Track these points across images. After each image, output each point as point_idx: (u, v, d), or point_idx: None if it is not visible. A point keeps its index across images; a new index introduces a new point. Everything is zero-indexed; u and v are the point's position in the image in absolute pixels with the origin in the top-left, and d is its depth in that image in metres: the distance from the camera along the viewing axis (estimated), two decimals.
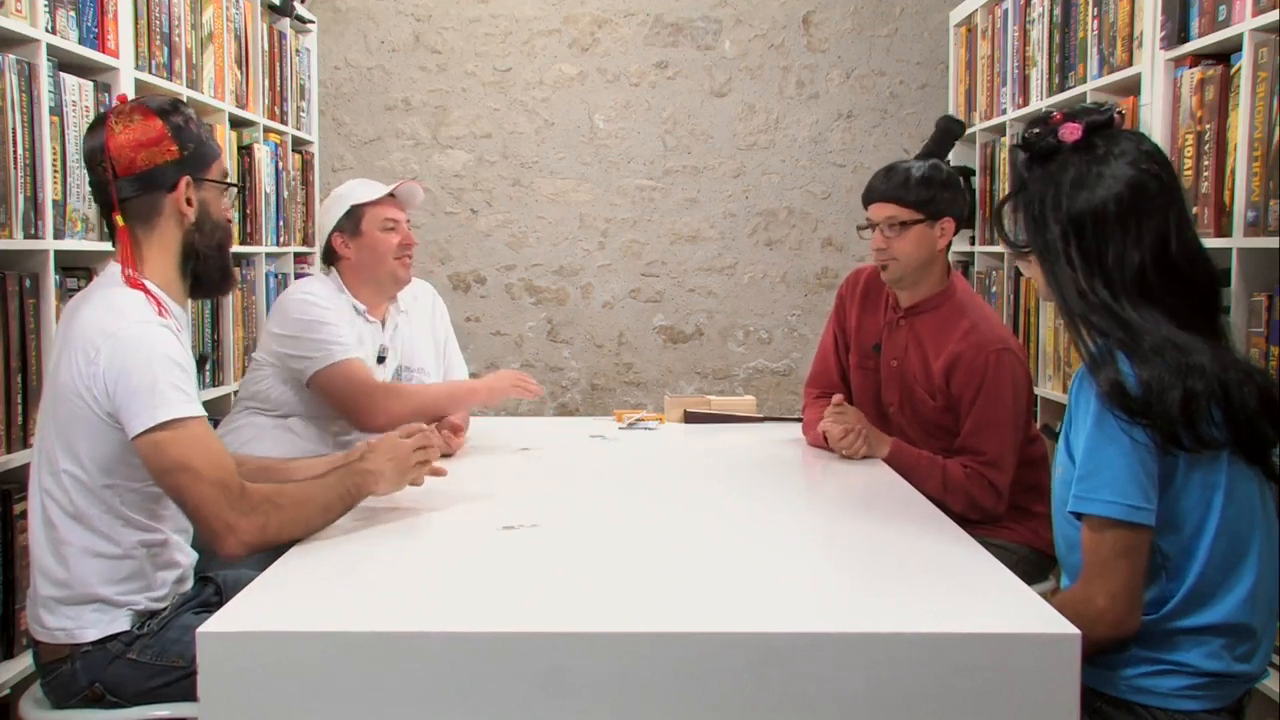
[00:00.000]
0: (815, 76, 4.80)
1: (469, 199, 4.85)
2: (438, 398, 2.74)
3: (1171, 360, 1.62)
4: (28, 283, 2.45)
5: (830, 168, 4.82)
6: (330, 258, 2.86)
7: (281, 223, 4.01)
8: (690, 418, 3.23)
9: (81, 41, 2.65)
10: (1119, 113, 1.79)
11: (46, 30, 2.49)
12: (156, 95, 2.06)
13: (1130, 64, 2.89)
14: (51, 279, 2.51)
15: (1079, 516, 1.68)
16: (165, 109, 1.97)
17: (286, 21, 4.16)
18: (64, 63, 2.59)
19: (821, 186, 4.83)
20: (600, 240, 4.86)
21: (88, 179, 2.00)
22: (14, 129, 2.36)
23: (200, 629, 1.49)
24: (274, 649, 1.49)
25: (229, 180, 2.09)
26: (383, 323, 2.88)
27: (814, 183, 4.83)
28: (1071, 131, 1.74)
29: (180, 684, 1.88)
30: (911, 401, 2.68)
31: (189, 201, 1.97)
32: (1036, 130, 1.79)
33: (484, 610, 1.60)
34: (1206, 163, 2.48)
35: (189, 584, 2.06)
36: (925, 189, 2.62)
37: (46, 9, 2.50)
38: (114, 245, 1.97)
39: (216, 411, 3.21)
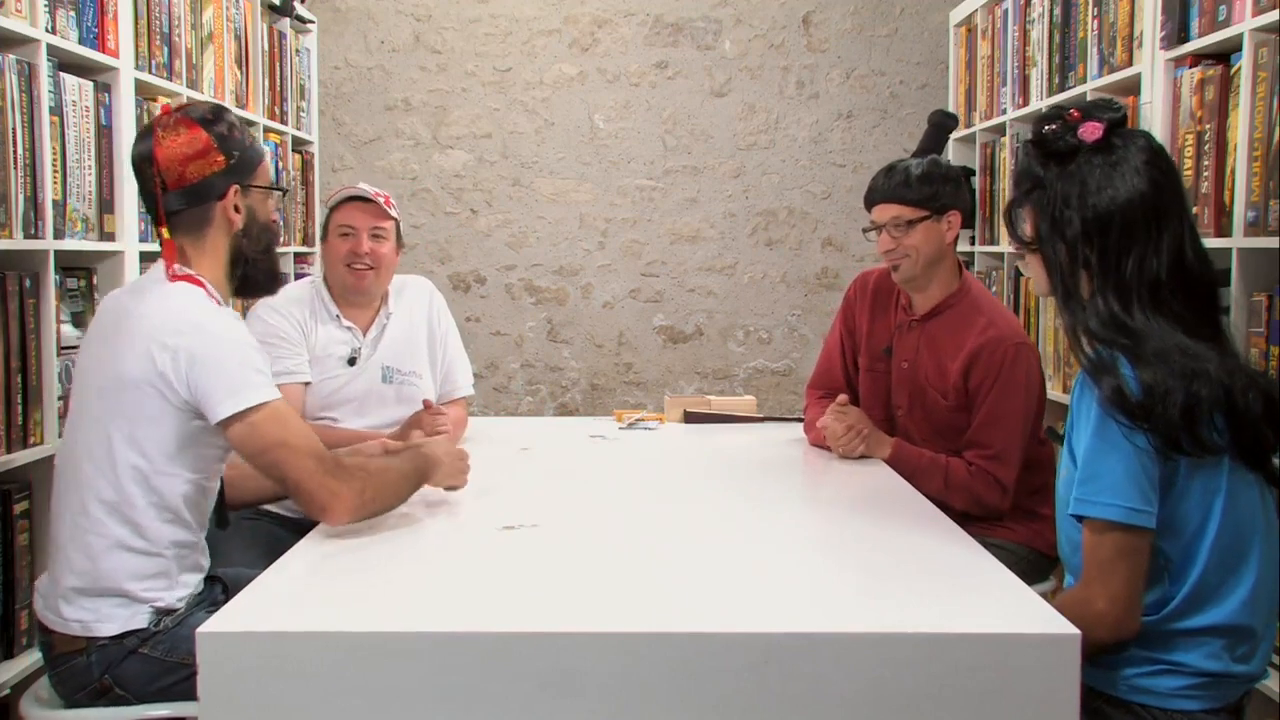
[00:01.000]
0: (815, 76, 4.80)
1: (469, 199, 4.85)
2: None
3: (1175, 365, 1.62)
4: (28, 283, 2.45)
5: (830, 168, 4.82)
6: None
7: (281, 223, 4.01)
8: (690, 418, 3.23)
9: (81, 41, 2.65)
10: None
11: (46, 30, 2.49)
12: (200, 103, 2.10)
13: (1130, 64, 2.90)
14: (51, 279, 2.51)
15: (1081, 520, 1.68)
16: (209, 118, 2.01)
17: (286, 21, 4.16)
18: (64, 63, 2.59)
19: (821, 186, 4.83)
20: (600, 240, 4.86)
21: (137, 187, 2.04)
22: (14, 129, 2.36)
23: (200, 629, 1.49)
24: (274, 649, 1.49)
25: (275, 184, 2.13)
26: (366, 328, 2.85)
27: (814, 183, 4.84)
28: (1093, 131, 1.73)
29: (189, 682, 1.88)
30: (923, 403, 2.67)
31: (237, 209, 2.02)
32: (1053, 127, 1.76)
33: (484, 610, 1.60)
34: (1206, 163, 2.48)
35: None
36: (927, 185, 2.62)
37: (46, 9, 2.50)
38: (161, 248, 2.00)
39: None
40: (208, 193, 1.99)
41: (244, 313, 2.85)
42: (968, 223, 4.10)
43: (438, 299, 3.01)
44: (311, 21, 4.46)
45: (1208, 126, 2.48)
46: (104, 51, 2.75)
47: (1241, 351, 1.79)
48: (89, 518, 1.91)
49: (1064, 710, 1.45)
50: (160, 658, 1.91)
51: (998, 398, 2.53)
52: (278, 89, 4.02)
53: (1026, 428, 2.56)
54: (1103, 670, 1.70)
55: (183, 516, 1.96)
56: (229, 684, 1.48)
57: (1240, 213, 2.34)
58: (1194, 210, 2.52)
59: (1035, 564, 2.62)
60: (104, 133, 2.74)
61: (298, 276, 4.06)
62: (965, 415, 2.59)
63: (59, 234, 2.55)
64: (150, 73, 2.98)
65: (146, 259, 2.97)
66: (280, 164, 3.98)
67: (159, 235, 2.00)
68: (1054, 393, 3.29)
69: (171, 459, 1.92)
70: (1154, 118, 2.72)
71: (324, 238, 2.83)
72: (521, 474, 2.57)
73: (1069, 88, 3.27)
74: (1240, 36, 2.33)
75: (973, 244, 4.14)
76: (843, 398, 2.68)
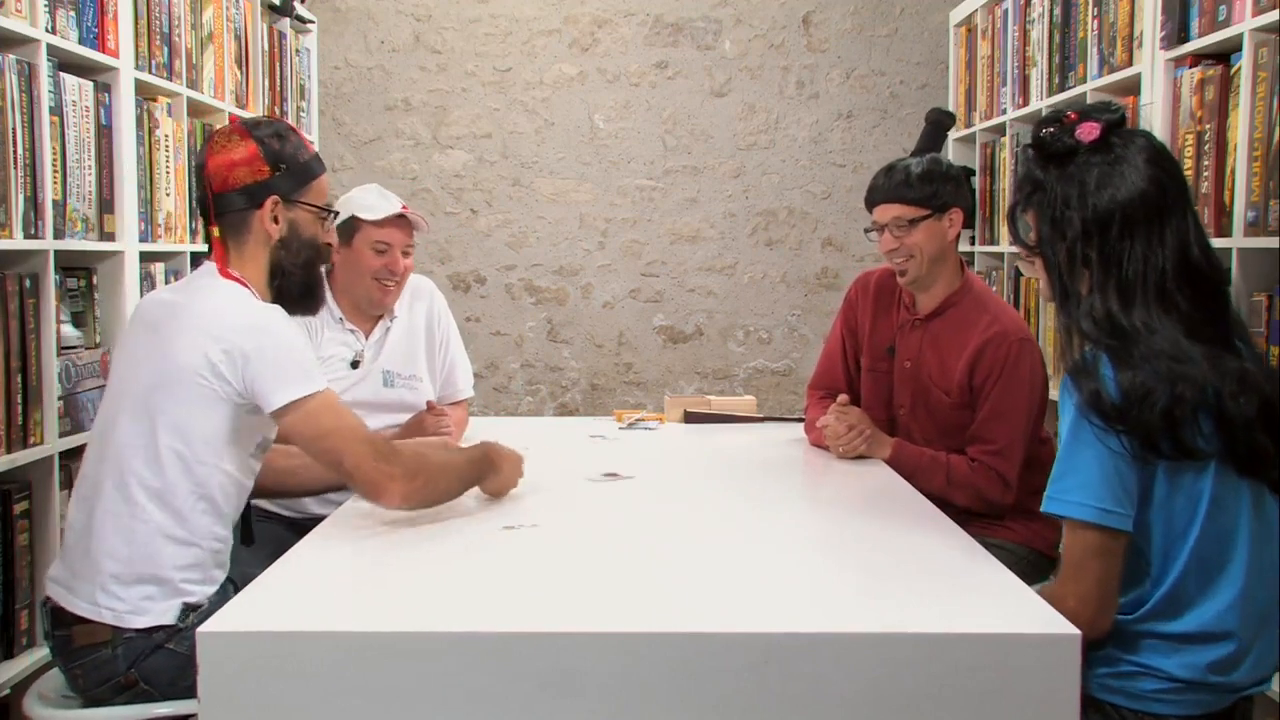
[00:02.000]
0: (815, 76, 4.80)
1: (469, 199, 4.85)
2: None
3: (1160, 368, 1.62)
4: (28, 283, 2.45)
5: (830, 168, 4.82)
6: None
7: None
8: (690, 418, 3.23)
9: (81, 41, 2.65)
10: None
11: (46, 30, 2.49)
12: (264, 118, 2.18)
13: (1130, 64, 2.90)
14: (51, 279, 2.51)
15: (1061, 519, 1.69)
16: (264, 132, 2.08)
17: (286, 21, 4.16)
18: (64, 63, 2.59)
19: (821, 186, 4.83)
20: (600, 240, 4.86)
21: (196, 194, 2.15)
22: (14, 129, 2.36)
23: (200, 629, 1.49)
24: (274, 649, 1.49)
25: (327, 207, 2.16)
26: (369, 332, 2.85)
27: (814, 183, 4.84)
28: (1090, 131, 1.73)
29: None
30: (926, 402, 2.67)
31: (275, 220, 2.07)
32: (1051, 130, 1.76)
33: (484, 610, 1.61)
34: (1206, 163, 2.48)
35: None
36: (928, 184, 2.62)
37: (46, 9, 2.50)
38: (209, 251, 2.09)
39: None
40: (246, 199, 2.05)
41: None
42: (969, 222, 4.12)
43: (439, 300, 3.00)
44: (311, 21, 4.46)
45: (1208, 126, 2.48)
46: (104, 51, 2.75)
47: (1256, 353, 1.73)
48: (133, 504, 1.94)
49: (1064, 710, 1.45)
50: (186, 653, 1.91)
51: (1001, 393, 2.54)
52: (278, 89, 4.02)
53: (1029, 423, 2.56)
54: None
55: (219, 509, 2.01)
56: (229, 684, 1.48)
57: (1240, 213, 2.34)
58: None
59: (1035, 564, 2.62)
60: (104, 133, 2.75)
61: None
62: (969, 413, 2.59)
63: (59, 234, 2.55)
64: (150, 73, 2.98)
65: (146, 259, 2.97)
66: None
67: (208, 234, 2.09)
68: (1055, 393, 3.28)
69: (213, 449, 1.97)
70: (1154, 118, 2.72)
71: (345, 244, 2.75)
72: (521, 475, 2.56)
73: (1069, 88, 3.27)
74: (1240, 36, 2.33)
75: (973, 244, 4.14)
76: (843, 398, 2.68)
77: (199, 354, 1.94)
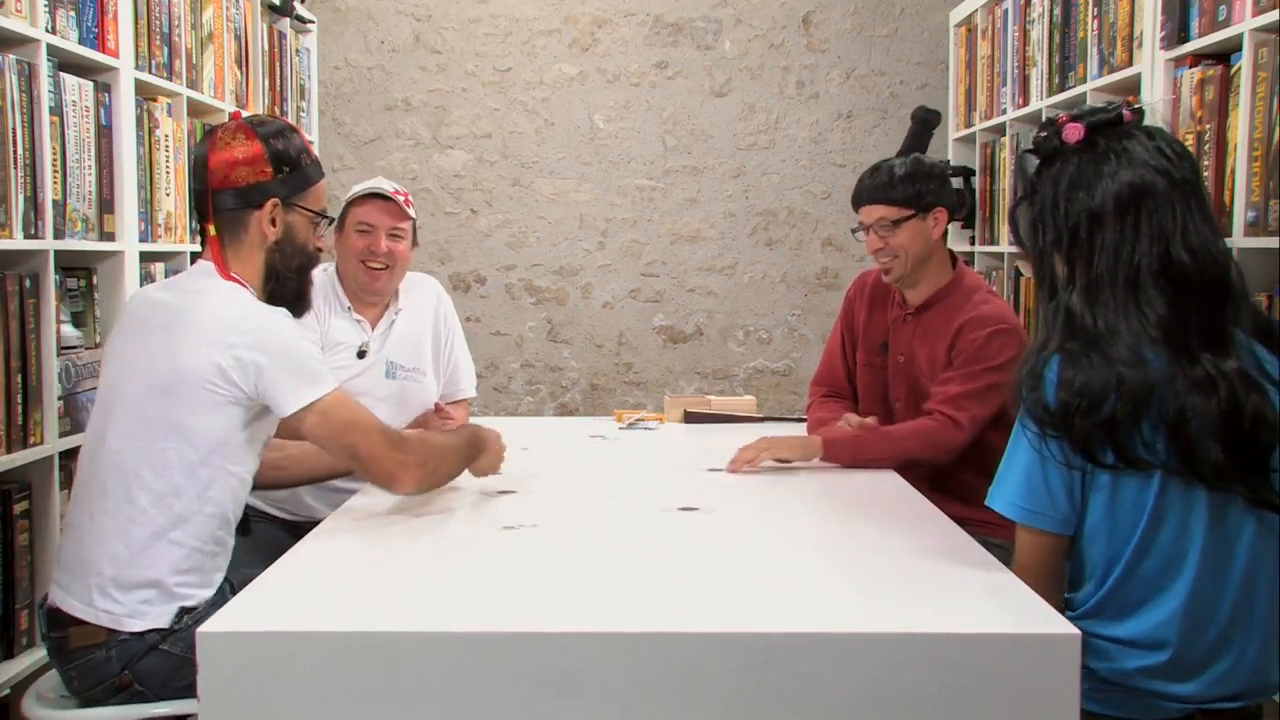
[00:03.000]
0: (815, 76, 4.80)
1: (469, 199, 4.85)
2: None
3: (1109, 375, 1.62)
4: (28, 283, 2.45)
5: (830, 168, 4.82)
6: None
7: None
8: (690, 418, 3.23)
9: (81, 41, 2.65)
10: (1135, 109, 1.76)
11: (46, 30, 2.49)
12: (269, 117, 2.18)
13: (1130, 64, 2.89)
14: (51, 279, 2.51)
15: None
16: (269, 132, 2.08)
17: (286, 21, 4.16)
18: (64, 63, 2.59)
19: (821, 186, 4.83)
20: (600, 240, 4.86)
21: (191, 186, 2.15)
22: (14, 129, 2.36)
23: (200, 629, 1.49)
24: (274, 649, 1.49)
25: (324, 212, 2.17)
26: (375, 321, 2.85)
27: (814, 183, 4.84)
28: (1074, 132, 1.74)
29: None
30: (918, 394, 2.68)
31: (273, 222, 2.07)
32: (1043, 133, 1.79)
33: (484, 610, 1.60)
34: (1206, 163, 2.48)
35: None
36: (911, 184, 2.65)
37: (46, 9, 2.50)
38: (203, 248, 2.09)
39: None
40: (248, 199, 2.05)
41: None
42: (968, 221, 4.12)
43: (445, 300, 3.01)
44: (311, 21, 4.46)
45: (1208, 126, 2.48)
46: (104, 51, 2.75)
47: (1237, 359, 1.68)
48: (133, 507, 1.94)
49: (1064, 710, 1.45)
50: (180, 654, 1.91)
51: (965, 360, 2.56)
52: (278, 89, 4.02)
53: (994, 397, 2.49)
54: None
55: (223, 512, 2.01)
56: (229, 684, 1.48)
57: (1240, 213, 2.34)
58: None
59: None
60: (104, 133, 2.75)
61: None
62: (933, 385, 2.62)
63: (59, 234, 2.55)
64: (150, 73, 2.98)
65: (146, 259, 2.97)
66: None
67: (204, 232, 2.08)
68: None
69: (220, 453, 1.97)
70: (1154, 118, 2.72)
71: (339, 230, 2.80)
72: (521, 474, 2.56)
73: (1069, 88, 3.27)
74: (1240, 36, 2.33)
75: (973, 244, 4.14)
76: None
77: (206, 361, 1.93)
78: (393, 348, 2.84)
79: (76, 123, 2.62)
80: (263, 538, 2.57)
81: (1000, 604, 1.61)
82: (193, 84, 3.26)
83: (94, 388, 2.68)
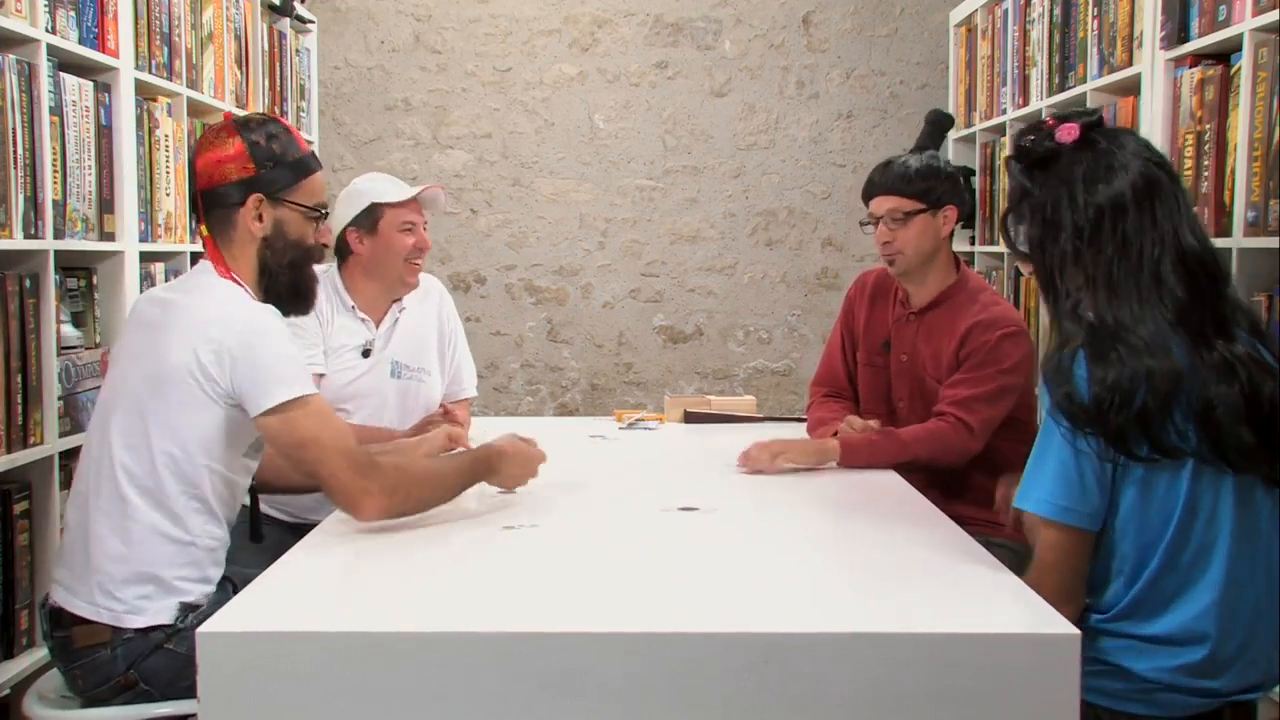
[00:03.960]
0: (815, 76, 4.80)
1: (469, 199, 4.85)
2: None
3: (1138, 366, 1.62)
4: (28, 283, 2.45)
5: (830, 168, 4.82)
6: (341, 251, 2.85)
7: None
8: (690, 418, 3.23)
9: (81, 41, 2.65)
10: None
11: (46, 30, 2.49)
12: (259, 115, 2.15)
13: (1130, 64, 2.90)
14: (51, 279, 2.51)
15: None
16: (252, 130, 2.06)
17: (286, 21, 4.16)
18: (64, 63, 2.59)
19: (821, 186, 4.83)
20: (600, 240, 4.86)
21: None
22: (14, 129, 2.36)
23: (200, 629, 1.49)
24: (274, 649, 1.49)
25: (318, 206, 2.14)
26: (379, 320, 2.86)
27: (814, 183, 4.83)
28: (1070, 131, 1.75)
29: None
30: (922, 393, 2.69)
31: (260, 218, 2.06)
32: (1032, 137, 1.79)
33: (484, 610, 1.61)
34: (1206, 163, 2.48)
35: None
36: (924, 179, 2.65)
37: (46, 9, 2.50)
38: (205, 249, 2.09)
39: None
40: (231, 197, 2.04)
41: None
42: (968, 223, 4.12)
43: (447, 299, 3.02)
44: (311, 21, 4.46)
45: (1208, 126, 2.48)
46: (104, 51, 2.74)
47: (1259, 342, 1.73)
48: (128, 504, 1.94)
49: (1064, 710, 1.45)
50: (185, 653, 1.91)
51: (976, 364, 2.56)
52: (278, 89, 4.02)
53: (1005, 400, 2.54)
54: None
55: (212, 509, 2.00)
56: (229, 684, 1.48)
57: (1240, 213, 2.34)
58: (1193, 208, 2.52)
59: None
60: (104, 133, 2.74)
61: None
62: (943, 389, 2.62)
63: (59, 234, 2.55)
64: (150, 73, 2.98)
65: (146, 259, 2.97)
66: None
67: (199, 232, 2.09)
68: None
69: (204, 449, 1.97)
70: (1154, 118, 2.72)
71: (369, 232, 2.79)
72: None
73: (1069, 88, 3.27)
74: (1240, 36, 2.33)
75: (973, 244, 4.14)
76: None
77: (190, 353, 1.93)
78: (397, 347, 2.85)
79: (76, 123, 2.62)
80: (269, 540, 2.57)
81: (1000, 604, 1.61)
82: (193, 84, 3.26)
83: (94, 388, 2.68)
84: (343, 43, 4.79)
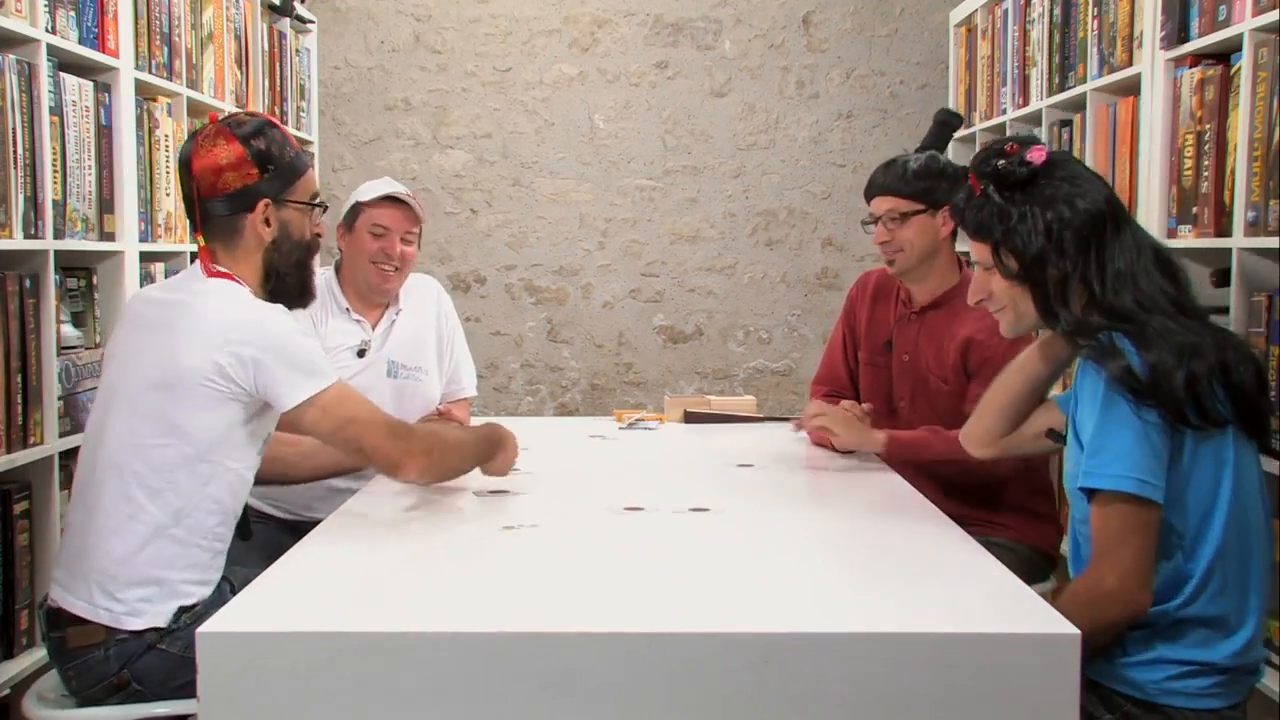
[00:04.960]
0: (815, 76, 4.80)
1: (469, 199, 4.85)
2: None
3: (1174, 343, 1.67)
4: (28, 283, 2.45)
5: (830, 168, 4.82)
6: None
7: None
8: (690, 418, 3.23)
9: (81, 41, 2.65)
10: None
11: (46, 30, 2.49)
12: (245, 115, 2.12)
13: (1130, 64, 2.89)
14: (51, 279, 2.51)
15: (1090, 496, 1.70)
16: (248, 132, 2.04)
17: (286, 21, 4.16)
18: (64, 63, 2.59)
19: (821, 186, 4.83)
20: (600, 240, 4.86)
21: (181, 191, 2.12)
22: (14, 129, 2.36)
23: (200, 629, 1.49)
24: (274, 649, 1.49)
25: (315, 200, 2.15)
26: (375, 322, 2.85)
27: (814, 183, 4.83)
28: (1040, 154, 1.82)
29: None
30: (925, 392, 2.68)
31: (268, 223, 2.06)
32: (1003, 162, 1.83)
33: (484, 610, 1.60)
34: (1206, 163, 2.48)
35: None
36: (923, 180, 2.65)
37: (46, 9, 2.50)
38: (198, 252, 2.08)
39: None
40: (237, 204, 2.03)
41: None
42: None
43: (445, 299, 3.02)
44: (311, 21, 4.46)
45: (1208, 126, 2.48)
46: (104, 51, 2.75)
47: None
48: (132, 504, 1.94)
49: (1064, 710, 1.45)
50: (178, 654, 1.91)
51: (996, 369, 2.53)
52: (278, 89, 4.02)
53: None
54: (1127, 671, 1.72)
55: (225, 507, 2.01)
56: (229, 684, 1.48)
57: (1240, 213, 2.34)
58: (1193, 209, 2.53)
59: (1035, 564, 2.62)
60: (104, 133, 2.74)
61: None
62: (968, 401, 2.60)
63: (59, 234, 2.55)
64: (150, 73, 2.98)
65: (146, 259, 2.97)
66: None
67: (197, 240, 2.07)
68: (1055, 394, 3.28)
69: (223, 448, 1.97)
70: (1154, 118, 2.72)
71: (348, 230, 2.81)
72: (522, 474, 2.56)
73: (1069, 88, 3.27)
74: (1240, 36, 2.33)
75: None
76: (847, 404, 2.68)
77: (206, 360, 1.93)
78: (394, 347, 2.85)
79: (76, 123, 2.62)
80: (262, 538, 2.57)
81: (1000, 604, 1.61)
82: (193, 84, 3.26)
83: (94, 388, 2.68)
84: (343, 43, 4.79)
